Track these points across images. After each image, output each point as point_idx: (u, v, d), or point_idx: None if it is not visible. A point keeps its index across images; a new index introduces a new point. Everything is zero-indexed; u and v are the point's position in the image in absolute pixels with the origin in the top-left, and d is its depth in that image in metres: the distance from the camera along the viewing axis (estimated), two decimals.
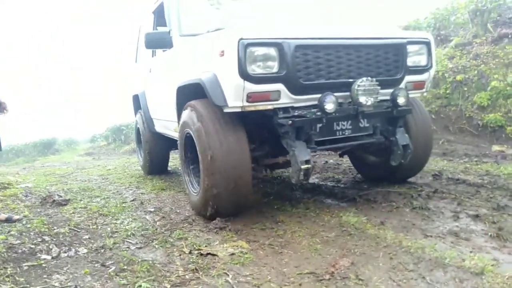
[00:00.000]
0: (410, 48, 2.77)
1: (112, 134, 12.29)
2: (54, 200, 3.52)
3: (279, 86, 2.38)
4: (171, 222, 2.75)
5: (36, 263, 1.87)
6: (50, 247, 2.12)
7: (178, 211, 3.06)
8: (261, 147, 2.83)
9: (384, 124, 2.83)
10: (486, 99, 4.65)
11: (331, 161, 4.70)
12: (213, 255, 2.10)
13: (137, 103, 4.89)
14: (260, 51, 2.32)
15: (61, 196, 3.69)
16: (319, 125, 2.57)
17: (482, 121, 4.54)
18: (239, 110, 2.42)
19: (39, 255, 1.99)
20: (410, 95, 2.82)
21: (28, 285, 1.64)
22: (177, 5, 3.33)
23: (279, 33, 2.40)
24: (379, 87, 2.54)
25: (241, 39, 2.26)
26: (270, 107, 2.44)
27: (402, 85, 2.76)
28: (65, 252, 2.08)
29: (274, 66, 2.36)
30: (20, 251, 1.98)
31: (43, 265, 1.87)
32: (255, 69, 2.32)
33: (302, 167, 2.41)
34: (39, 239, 2.23)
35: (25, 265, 1.84)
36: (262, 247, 2.22)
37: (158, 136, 4.48)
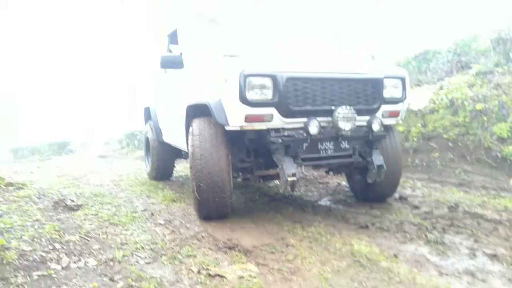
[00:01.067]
0: (386, 82, 3.21)
1: (126, 139, 12.43)
2: (66, 205, 3.55)
3: (272, 110, 2.84)
4: (181, 237, 2.74)
5: (46, 273, 1.88)
6: (61, 256, 2.13)
7: (188, 225, 3.04)
8: (256, 160, 3.25)
9: (362, 146, 3.22)
10: (506, 131, 4.56)
11: (344, 183, 4.65)
12: (222, 276, 2.08)
13: (148, 114, 5.33)
14: (257, 81, 2.78)
15: (73, 201, 3.72)
16: (305, 144, 2.99)
17: (501, 153, 4.44)
18: (238, 128, 2.84)
19: (49, 264, 2.00)
20: (387, 122, 3.29)
21: None
22: (187, 32, 3.92)
23: (273, 67, 2.87)
24: (356, 115, 2.97)
25: (244, 71, 2.73)
26: (264, 127, 2.88)
27: (379, 113, 3.20)
28: (75, 262, 2.08)
29: (268, 94, 2.81)
30: (31, 258, 1.99)
31: (53, 275, 1.87)
32: (252, 95, 2.76)
33: (289, 179, 2.79)
34: (50, 247, 2.24)
35: (36, 274, 1.84)
36: (271, 271, 2.18)
37: (165, 145, 4.87)
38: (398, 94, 3.29)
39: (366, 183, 3.43)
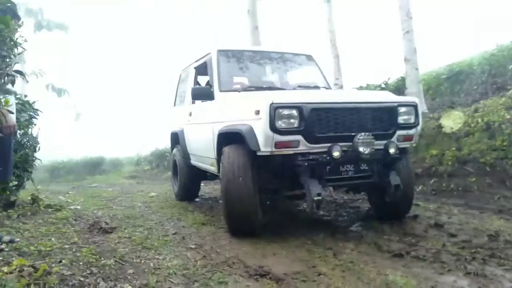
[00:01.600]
0: (400, 109, 3.49)
1: (156, 159, 12.73)
2: (101, 227, 3.67)
3: (299, 137, 3.14)
4: (212, 262, 2.75)
5: None
6: (98, 281, 2.19)
7: (218, 250, 3.06)
8: (282, 182, 3.46)
9: (380, 168, 3.46)
10: None
11: None
12: None
13: (175, 139, 5.67)
14: (285, 111, 3.10)
15: (107, 223, 3.84)
16: (328, 167, 3.24)
17: None
18: (268, 153, 3.16)
19: None
20: (402, 146, 3.53)
21: None
22: (217, 67, 4.32)
23: (299, 99, 3.23)
24: (374, 140, 3.23)
25: (272, 103, 3.06)
26: (291, 152, 3.17)
27: (394, 138, 3.45)
28: (111, 287, 2.14)
29: (295, 123, 3.12)
30: (71, 283, 2.05)
31: None
32: (281, 124, 3.08)
33: (315, 198, 3.04)
34: (88, 271, 2.31)
35: None
36: None
37: (193, 168, 5.24)
38: (411, 120, 3.56)
39: (384, 202, 3.62)
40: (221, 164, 3.50)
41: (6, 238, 2.82)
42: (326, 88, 4.71)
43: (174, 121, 5.87)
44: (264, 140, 3.10)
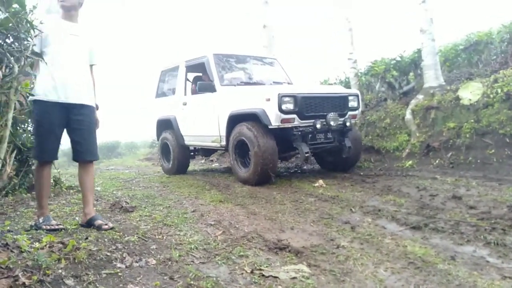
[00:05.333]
0: (350, 98, 5.32)
1: None
2: (122, 206, 3.76)
3: (294, 116, 4.76)
4: (231, 237, 2.81)
5: (112, 271, 2.01)
6: (123, 255, 2.26)
7: (237, 226, 3.12)
8: (281, 146, 4.98)
9: (339, 136, 5.20)
10: None
11: (391, 184, 4.53)
12: (275, 277, 2.12)
13: (165, 125, 6.83)
14: (287, 99, 4.70)
15: (127, 203, 3.93)
16: (310, 135, 4.93)
17: None
18: (276, 127, 4.75)
19: (115, 263, 2.13)
20: (352, 121, 5.22)
21: None
22: (215, 67, 5.71)
23: (294, 91, 4.85)
24: (338, 117, 5.00)
25: (279, 93, 4.66)
26: (290, 125, 4.80)
27: (347, 116, 5.18)
28: (136, 262, 2.21)
29: (292, 106, 4.72)
30: (98, 258, 2.13)
31: (119, 273, 2.00)
32: (284, 107, 4.67)
33: (306, 155, 4.79)
34: (113, 247, 2.39)
35: (104, 273, 1.98)
36: (323, 272, 2.19)
37: (185, 148, 6.60)
38: (355, 104, 5.37)
39: (340, 158, 5.44)
40: (231, 138, 5.20)
41: (98, 222, 2.90)
42: (289, 84, 6.26)
43: (161, 110, 6.92)
44: (274, 117, 4.67)
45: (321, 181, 4.73)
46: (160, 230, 2.97)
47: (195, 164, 9.18)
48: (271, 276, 2.12)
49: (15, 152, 1.81)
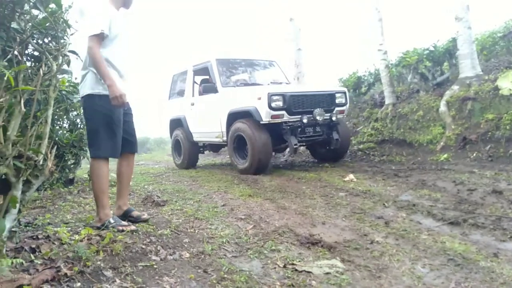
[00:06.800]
0: (337, 95, 5.85)
1: None
2: (154, 201, 3.84)
3: (283, 112, 5.34)
4: (262, 231, 2.80)
5: (148, 264, 2.05)
6: (158, 248, 2.30)
7: (267, 220, 3.11)
8: (276, 139, 5.60)
9: (327, 129, 5.78)
10: None
11: (425, 178, 4.38)
12: (308, 272, 2.09)
13: (176, 123, 7.54)
14: (276, 97, 5.28)
15: (159, 197, 4.01)
16: (299, 129, 5.50)
17: None
18: (267, 122, 5.34)
19: (150, 256, 2.17)
20: (339, 116, 5.80)
21: (144, 285, 1.80)
22: (217, 71, 6.40)
23: (283, 90, 5.50)
24: (324, 112, 5.55)
25: (269, 92, 5.27)
26: (279, 121, 5.38)
27: (334, 112, 5.72)
28: (170, 255, 2.24)
29: (281, 103, 5.30)
30: (134, 250, 2.18)
31: (154, 266, 2.04)
32: (273, 105, 5.25)
33: (294, 147, 5.39)
34: (148, 240, 2.44)
35: (140, 265, 2.02)
36: (358, 268, 2.14)
37: (194, 144, 7.29)
38: (343, 101, 5.92)
39: (329, 150, 6.08)
40: (230, 133, 5.83)
41: (135, 213, 2.98)
42: (287, 83, 6.94)
43: (173, 110, 7.64)
44: (265, 114, 5.29)
45: (351, 176, 4.64)
46: (191, 223, 3.01)
47: (223, 159, 9.26)
48: (304, 271, 2.10)
49: (55, 148, 1.87)
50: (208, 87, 6.26)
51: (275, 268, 2.15)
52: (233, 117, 5.84)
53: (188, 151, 7.25)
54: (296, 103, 5.39)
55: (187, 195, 4.30)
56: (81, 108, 2.87)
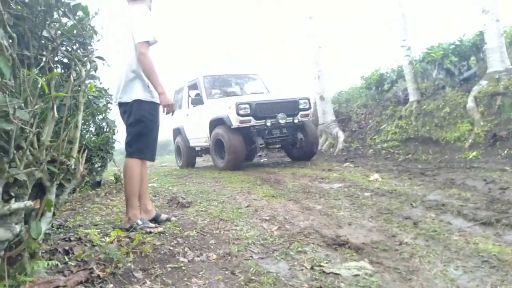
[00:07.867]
0: (300, 101, 6.89)
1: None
2: (179, 202, 3.88)
3: (250, 118, 6.40)
4: (287, 233, 2.78)
5: (177, 265, 2.07)
6: (185, 250, 2.33)
7: (292, 221, 3.09)
8: (250, 141, 6.69)
9: (292, 131, 6.82)
10: None
11: (454, 176, 4.26)
12: (336, 274, 2.06)
13: (177, 132, 9.14)
14: (243, 106, 6.39)
15: (183, 198, 4.05)
16: (266, 131, 6.60)
17: None
18: (237, 127, 6.40)
19: (178, 257, 2.20)
20: (303, 119, 6.88)
21: (174, 287, 1.82)
22: (203, 86, 7.78)
23: (249, 100, 6.62)
24: (286, 117, 6.63)
25: (237, 102, 6.42)
26: (247, 125, 6.45)
27: (299, 115, 6.79)
28: (198, 256, 2.26)
29: (248, 111, 6.37)
30: (162, 252, 2.21)
31: (183, 267, 2.06)
32: (241, 112, 6.34)
33: (259, 146, 6.57)
34: (175, 242, 2.47)
35: (169, 267, 2.05)
36: (388, 270, 2.10)
37: (191, 148, 8.66)
38: (307, 106, 6.95)
39: (297, 149, 7.10)
40: (211, 137, 6.98)
41: (164, 216, 3.10)
42: (266, 93, 7.91)
43: (175, 121, 8.92)
44: (234, 120, 6.38)
45: (376, 175, 4.57)
46: (217, 225, 3.02)
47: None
48: (332, 273, 2.07)
49: (86, 152, 1.92)
50: (196, 100, 7.58)
51: (302, 270, 2.14)
52: (214, 124, 6.99)
53: (187, 155, 8.73)
54: (262, 109, 6.45)
55: (211, 196, 4.33)
56: (128, 112, 2.80)
